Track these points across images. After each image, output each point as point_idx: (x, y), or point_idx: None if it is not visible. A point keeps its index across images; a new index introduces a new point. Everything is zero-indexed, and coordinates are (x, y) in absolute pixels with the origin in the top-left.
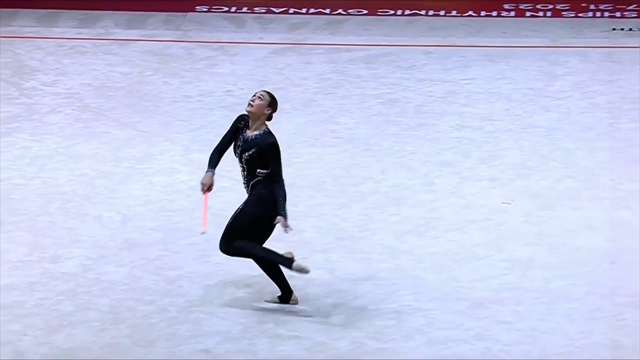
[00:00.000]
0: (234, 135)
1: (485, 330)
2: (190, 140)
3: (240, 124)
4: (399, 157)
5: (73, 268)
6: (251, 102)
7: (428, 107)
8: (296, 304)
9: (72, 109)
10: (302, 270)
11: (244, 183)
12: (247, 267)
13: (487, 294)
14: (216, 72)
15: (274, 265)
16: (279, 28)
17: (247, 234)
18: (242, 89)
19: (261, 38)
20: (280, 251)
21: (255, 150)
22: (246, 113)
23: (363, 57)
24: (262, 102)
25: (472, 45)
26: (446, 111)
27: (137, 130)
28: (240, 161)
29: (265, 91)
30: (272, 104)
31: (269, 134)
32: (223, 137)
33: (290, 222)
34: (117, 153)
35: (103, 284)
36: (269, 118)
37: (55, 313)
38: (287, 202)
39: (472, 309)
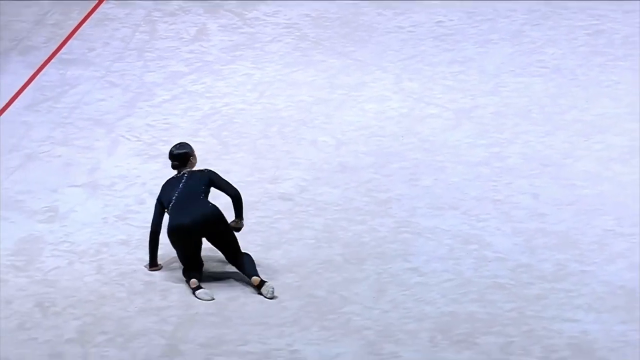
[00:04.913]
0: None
1: None
2: (401, 69)
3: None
4: (605, 86)
5: (290, 189)
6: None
7: (635, 38)
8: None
9: (291, 39)
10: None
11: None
12: (454, 190)
13: None
14: (427, 4)
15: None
16: None
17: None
18: (452, 20)
19: None
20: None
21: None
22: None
23: None
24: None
25: None
26: None
27: (351, 59)
28: None
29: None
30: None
31: None
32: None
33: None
34: (333, 80)
35: (318, 204)
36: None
37: (274, 231)
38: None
39: None
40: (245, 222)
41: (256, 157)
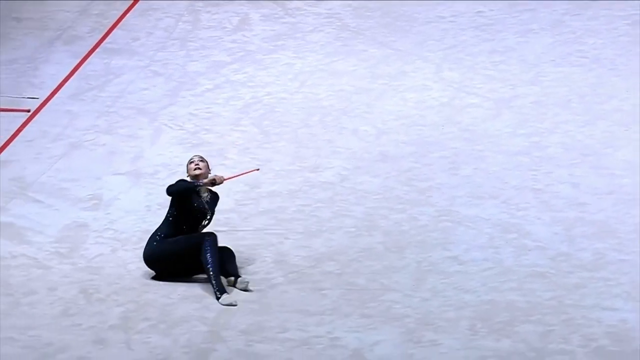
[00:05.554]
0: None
1: None
2: (441, 58)
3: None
4: None
5: (331, 177)
6: (198, 167)
7: None
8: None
9: (332, 28)
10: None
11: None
12: (494, 179)
13: None
14: None
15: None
16: None
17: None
18: (492, 10)
19: None
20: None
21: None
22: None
23: None
24: (205, 163)
25: None
26: None
27: (392, 48)
28: (205, 219)
29: (199, 155)
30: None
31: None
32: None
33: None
34: (373, 70)
35: (358, 193)
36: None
37: (314, 219)
38: None
39: None
40: (218, 174)
41: (297, 146)
